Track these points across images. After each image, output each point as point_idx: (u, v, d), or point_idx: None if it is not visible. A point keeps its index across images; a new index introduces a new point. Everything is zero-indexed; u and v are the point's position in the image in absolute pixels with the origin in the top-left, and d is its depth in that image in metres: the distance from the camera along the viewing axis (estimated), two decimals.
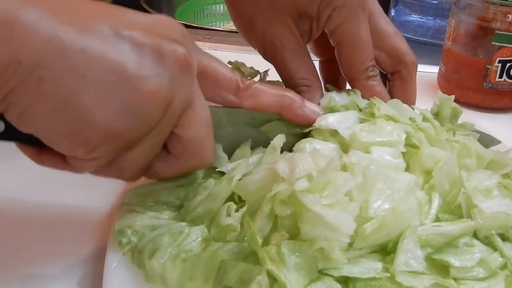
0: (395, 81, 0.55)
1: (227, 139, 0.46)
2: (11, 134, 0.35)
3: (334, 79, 0.57)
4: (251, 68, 0.57)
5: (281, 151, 0.45)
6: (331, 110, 0.48)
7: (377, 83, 0.52)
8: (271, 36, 0.50)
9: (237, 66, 0.56)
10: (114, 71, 0.33)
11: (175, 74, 0.35)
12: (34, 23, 0.30)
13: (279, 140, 0.44)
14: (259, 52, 0.53)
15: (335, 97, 0.49)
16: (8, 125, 0.34)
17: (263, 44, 0.52)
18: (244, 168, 0.42)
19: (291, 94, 0.46)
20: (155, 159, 0.40)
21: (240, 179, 0.41)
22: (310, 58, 0.52)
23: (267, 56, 0.52)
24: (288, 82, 0.52)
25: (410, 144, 0.45)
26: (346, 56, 0.51)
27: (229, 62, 0.55)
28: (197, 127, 0.38)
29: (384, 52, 0.54)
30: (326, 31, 0.52)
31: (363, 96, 0.52)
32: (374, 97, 0.49)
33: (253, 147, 0.47)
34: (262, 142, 0.47)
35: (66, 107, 0.32)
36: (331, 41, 0.52)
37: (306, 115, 0.46)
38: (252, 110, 0.45)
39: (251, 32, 0.52)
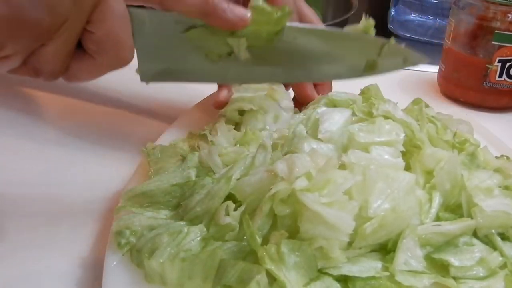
0: None
1: (149, 41, 0.44)
2: None
3: None
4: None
5: (212, 61, 0.45)
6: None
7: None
8: None
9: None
10: None
11: None
12: None
13: (268, 139, 0.44)
14: None
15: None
16: None
17: None
18: (242, 167, 0.42)
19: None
20: (72, 60, 0.39)
21: (238, 178, 0.41)
22: None
23: None
24: None
25: (411, 144, 0.44)
26: None
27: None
28: (110, 22, 0.37)
29: None
30: None
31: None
32: None
33: (178, 56, 0.46)
34: (187, 48, 0.45)
35: None
36: None
37: (232, 20, 0.43)
38: (173, 11, 0.43)
39: None
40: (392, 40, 0.49)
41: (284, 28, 0.46)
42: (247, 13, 0.44)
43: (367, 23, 0.49)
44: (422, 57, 0.51)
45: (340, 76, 0.50)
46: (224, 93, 0.56)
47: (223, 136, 0.49)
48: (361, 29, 0.50)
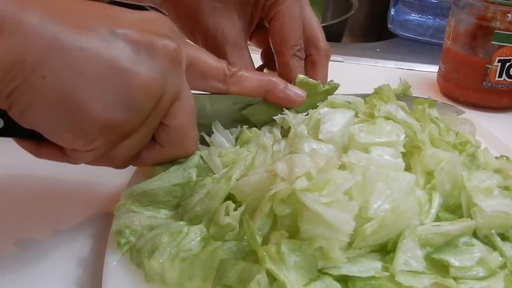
0: (306, 65, 0.57)
1: (208, 123, 0.48)
2: (10, 130, 0.37)
3: (274, 64, 0.59)
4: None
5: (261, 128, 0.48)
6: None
7: (299, 65, 0.55)
8: (214, 30, 0.53)
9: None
10: (110, 67, 0.35)
11: (166, 67, 0.38)
12: (37, 25, 0.32)
13: (269, 139, 0.44)
14: (202, 45, 0.55)
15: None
16: (7, 121, 0.36)
17: (206, 37, 0.54)
18: (242, 167, 0.42)
19: (275, 78, 0.49)
20: (143, 148, 0.41)
21: (238, 178, 0.41)
22: (249, 52, 0.55)
23: (209, 48, 0.54)
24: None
25: (412, 145, 0.44)
26: (278, 28, 0.54)
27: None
28: (182, 117, 0.41)
29: (303, 35, 0.56)
30: (263, 13, 0.55)
31: (280, 74, 0.54)
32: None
33: (230, 127, 0.49)
34: (240, 122, 0.49)
35: (66, 102, 0.34)
36: (266, 21, 0.55)
37: (290, 97, 0.49)
38: (239, 95, 0.47)
39: (195, 26, 0.54)
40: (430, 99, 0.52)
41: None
42: (304, 93, 0.50)
43: (404, 85, 0.53)
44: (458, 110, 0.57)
45: None
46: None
47: (221, 135, 0.49)
48: (399, 92, 0.54)
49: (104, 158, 0.40)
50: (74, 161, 0.39)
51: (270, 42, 0.55)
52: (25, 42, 0.31)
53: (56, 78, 0.33)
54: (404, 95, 0.52)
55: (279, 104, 0.49)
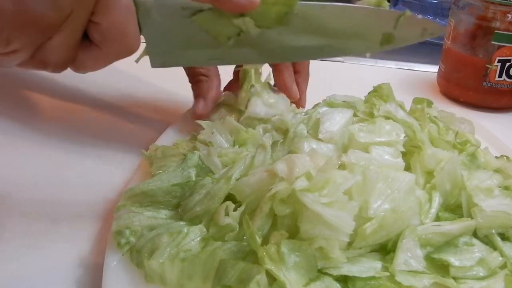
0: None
1: (157, 29, 0.44)
2: None
3: None
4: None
5: (221, 43, 0.45)
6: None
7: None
8: None
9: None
10: None
11: None
12: None
13: (268, 138, 0.44)
14: None
15: None
16: None
17: None
18: (242, 167, 0.42)
19: None
20: (79, 50, 0.39)
21: (238, 178, 0.41)
22: None
23: None
24: (190, 74, 0.56)
25: (412, 145, 0.44)
26: None
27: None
28: (115, 13, 0.38)
29: None
30: None
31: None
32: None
33: (186, 41, 0.46)
34: (195, 32, 0.45)
35: None
36: None
37: (240, 3, 0.44)
38: None
39: None
40: (408, 11, 0.48)
41: (293, 8, 0.46)
42: None
43: None
44: (440, 27, 0.51)
45: (356, 51, 0.49)
46: (201, 105, 0.55)
47: (219, 134, 0.49)
48: (373, 3, 0.49)
49: (34, 61, 0.38)
50: (1, 65, 0.37)
51: None
52: None
53: None
54: (379, 7, 0.49)
55: (229, 11, 0.44)
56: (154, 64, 0.46)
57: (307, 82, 0.60)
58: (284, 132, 0.49)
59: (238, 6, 0.44)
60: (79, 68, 0.41)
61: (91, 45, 0.39)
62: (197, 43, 0.46)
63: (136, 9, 0.41)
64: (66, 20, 0.36)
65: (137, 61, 0.45)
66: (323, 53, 0.50)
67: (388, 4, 0.49)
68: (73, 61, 0.40)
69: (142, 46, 0.43)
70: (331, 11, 0.47)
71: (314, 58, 0.54)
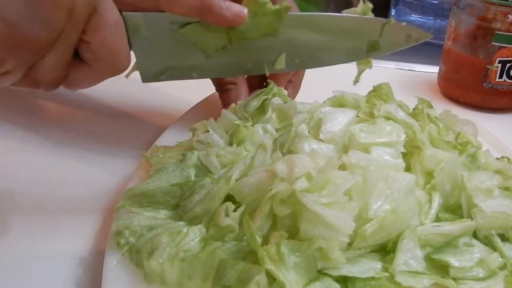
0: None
1: (147, 45, 0.45)
2: None
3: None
4: None
5: (208, 56, 0.46)
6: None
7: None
8: None
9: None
10: None
11: None
12: None
13: (268, 138, 0.44)
14: None
15: None
16: None
17: None
18: (242, 168, 0.42)
19: None
20: (71, 69, 0.40)
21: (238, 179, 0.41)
22: None
23: None
24: (218, 83, 0.55)
25: (412, 145, 0.44)
26: None
27: None
28: (105, 32, 0.38)
29: None
30: None
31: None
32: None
33: (175, 53, 0.47)
34: (184, 45, 0.46)
35: None
36: None
37: (228, 18, 0.44)
38: (171, 13, 0.44)
39: None
40: (392, 19, 0.50)
41: (283, 20, 0.47)
42: (244, 10, 0.45)
43: (364, 6, 0.50)
44: (425, 33, 0.51)
45: (344, 60, 0.51)
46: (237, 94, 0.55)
47: (215, 132, 0.49)
48: (359, 12, 0.50)
49: (27, 81, 0.38)
50: None
51: None
52: None
53: None
54: (364, 15, 0.50)
55: (218, 25, 0.45)
56: (144, 79, 0.47)
57: (297, 93, 0.60)
58: (283, 118, 0.49)
59: (226, 21, 0.44)
60: (71, 86, 0.41)
61: (82, 63, 0.40)
62: (185, 57, 0.47)
63: (126, 26, 0.41)
64: (57, 40, 0.36)
65: (127, 76, 0.45)
66: (310, 63, 0.51)
67: (371, 13, 0.50)
68: (65, 79, 0.40)
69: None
70: (318, 21, 0.49)
71: (301, 69, 0.55)
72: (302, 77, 0.60)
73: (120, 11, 0.40)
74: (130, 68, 0.44)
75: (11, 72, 0.36)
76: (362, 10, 0.50)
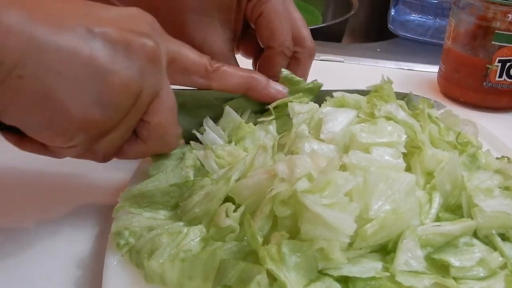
0: (290, 61, 0.56)
1: (192, 119, 0.49)
2: None
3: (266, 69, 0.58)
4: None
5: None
6: None
7: (284, 63, 0.54)
8: (200, 43, 0.52)
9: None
10: (87, 66, 0.35)
11: (143, 66, 0.38)
12: (14, 25, 0.32)
13: (269, 139, 0.44)
14: None
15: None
16: None
17: None
18: (242, 168, 0.42)
19: (257, 75, 0.50)
20: (125, 143, 0.42)
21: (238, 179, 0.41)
22: (235, 60, 0.55)
23: None
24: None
25: (413, 145, 0.44)
26: (265, 25, 0.53)
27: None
28: (163, 114, 0.41)
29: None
30: (247, 16, 0.54)
31: (261, 66, 0.54)
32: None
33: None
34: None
35: (44, 101, 0.34)
36: (252, 22, 0.54)
37: (271, 94, 0.50)
38: (221, 91, 0.48)
39: (180, 39, 0.51)
40: (411, 93, 0.55)
41: (316, 96, 0.52)
42: (285, 89, 0.51)
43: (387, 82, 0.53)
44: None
45: None
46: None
47: (212, 132, 0.49)
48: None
49: (87, 153, 0.41)
50: (57, 156, 0.40)
51: (259, 40, 0.54)
52: (3, 43, 0.31)
53: (33, 78, 0.33)
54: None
55: (261, 101, 0.50)
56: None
57: (313, 57, 0.58)
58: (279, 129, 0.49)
59: (269, 97, 0.50)
60: (122, 157, 0.44)
61: (136, 139, 0.43)
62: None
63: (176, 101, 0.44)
64: (122, 121, 0.39)
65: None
66: None
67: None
68: (119, 152, 0.43)
69: None
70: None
71: None
72: (310, 52, 0.57)
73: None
74: None
75: (77, 146, 0.38)
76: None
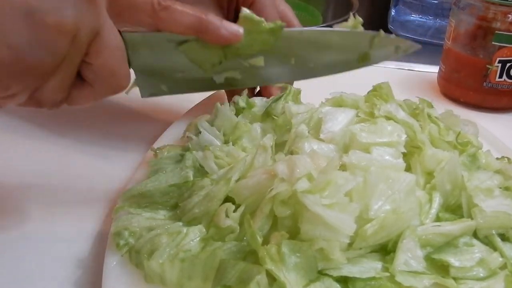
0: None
1: (145, 62, 0.47)
2: None
3: None
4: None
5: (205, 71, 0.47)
6: None
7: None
8: None
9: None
10: (16, 8, 0.33)
11: (78, 4, 0.36)
12: None
13: (269, 139, 0.44)
14: None
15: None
16: None
17: None
18: (242, 168, 0.42)
19: (209, 17, 0.45)
20: (72, 88, 0.41)
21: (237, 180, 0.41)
22: None
23: None
24: None
25: (413, 145, 0.44)
26: (257, 14, 0.50)
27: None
28: (106, 54, 0.40)
29: None
30: (238, 5, 0.54)
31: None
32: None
33: (173, 69, 0.48)
34: (180, 63, 0.48)
35: None
36: None
37: (225, 36, 0.46)
38: (169, 32, 0.45)
39: None
40: (382, 32, 0.52)
41: (278, 38, 0.49)
42: (240, 29, 0.47)
43: (355, 20, 0.52)
44: (413, 44, 0.53)
45: (336, 70, 0.53)
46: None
47: (208, 133, 0.49)
48: (350, 26, 0.52)
49: (32, 101, 0.39)
50: (0, 106, 0.39)
51: None
52: None
53: None
54: (355, 29, 0.51)
55: (214, 43, 0.46)
56: (143, 95, 0.49)
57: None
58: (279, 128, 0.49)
59: (222, 39, 0.46)
60: (72, 103, 0.43)
61: (83, 83, 0.41)
62: (182, 73, 0.48)
63: (125, 46, 0.42)
64: (61, 64, 0.37)
65: (126, 92, 0.46)
66: (304, 75, 0.53)
67: (361, 27, 0.52)
68: (67, 99, 0.41)
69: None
70: (311, 35, 0.51)
71: (295, 80, 0.56)
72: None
73: (120, 32, 0.42)
74: (130, 85, 0.46)
75: (16, 95, 0.37)
76: (353, 24, 0.52)
